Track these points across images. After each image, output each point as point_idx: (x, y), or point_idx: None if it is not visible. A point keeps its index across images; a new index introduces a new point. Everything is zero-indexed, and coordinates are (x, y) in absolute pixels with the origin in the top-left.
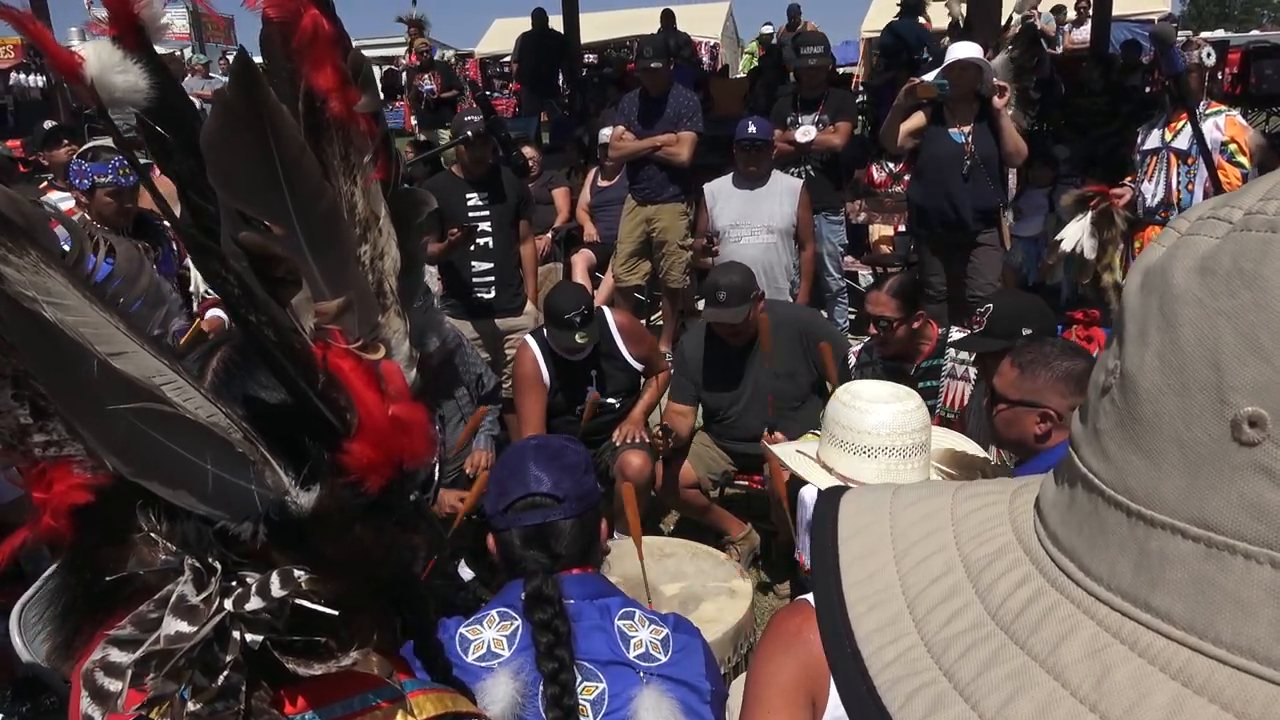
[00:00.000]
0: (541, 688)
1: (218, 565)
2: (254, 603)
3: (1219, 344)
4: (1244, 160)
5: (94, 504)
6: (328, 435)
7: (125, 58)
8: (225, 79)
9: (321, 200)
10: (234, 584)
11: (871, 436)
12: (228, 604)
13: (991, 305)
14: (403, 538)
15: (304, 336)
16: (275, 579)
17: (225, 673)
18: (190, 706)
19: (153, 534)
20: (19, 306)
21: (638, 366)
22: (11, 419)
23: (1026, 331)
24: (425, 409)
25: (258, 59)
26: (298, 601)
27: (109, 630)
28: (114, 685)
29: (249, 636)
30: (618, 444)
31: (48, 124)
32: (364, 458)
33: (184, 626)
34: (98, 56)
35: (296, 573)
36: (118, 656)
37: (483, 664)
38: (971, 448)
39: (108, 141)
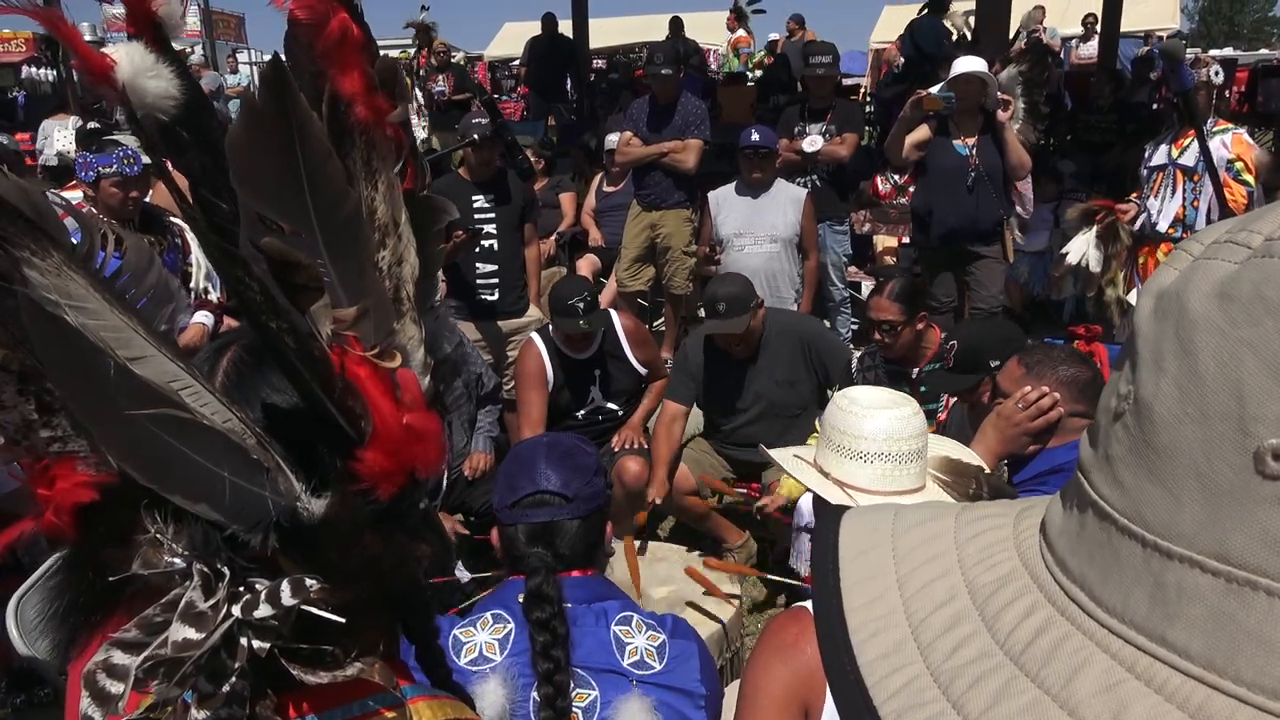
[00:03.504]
0: (535, 689)
1: (226, 571)
2: (263, 610)
3: (1241, 373)
4: (1249, 178)
5: (98, 503)
6: (341, 442)
7: (157, 61)
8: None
9: (344, 206)
10: (242, 590)
11: (868, 441)
12: (236, 610)
13: (955, 343)
14: (411, 547)
15: (322, 343)
16: (286, 586)
17: (231, 679)
18: (194, 713)
19: (159, 536)
20: (42, 310)
21: (642, 370)
22: (16, 414)
23: (994, 364)
24: (438, 417)
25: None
26: (305, 609)
27: (109, 631)
28: (116, 688)
29: (256, 643)
30: (616, 449)
31: (90, 125)
32: (377, 466)
33: (192, 633)
34: (130, 60)
35: (308, 581)
36: (121, 659)
37: (474, 668)
38: (967, 455)
39: (115, 136)
